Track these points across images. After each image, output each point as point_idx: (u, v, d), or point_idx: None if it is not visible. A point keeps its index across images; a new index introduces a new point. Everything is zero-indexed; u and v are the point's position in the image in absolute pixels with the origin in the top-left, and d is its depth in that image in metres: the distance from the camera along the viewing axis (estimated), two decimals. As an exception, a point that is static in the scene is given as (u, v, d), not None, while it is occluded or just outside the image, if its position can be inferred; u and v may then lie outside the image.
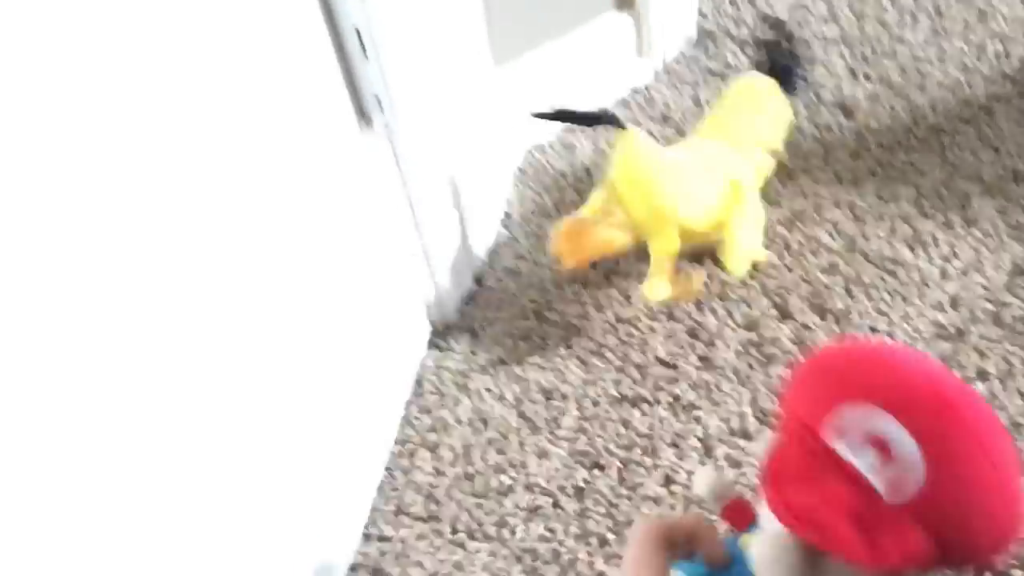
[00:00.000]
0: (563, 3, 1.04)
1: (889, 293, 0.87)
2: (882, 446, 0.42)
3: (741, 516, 0.47)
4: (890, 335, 0.84)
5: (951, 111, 1.01)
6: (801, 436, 0.44)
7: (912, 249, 0.90)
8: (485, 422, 0.84)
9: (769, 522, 0.43)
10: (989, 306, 0.84)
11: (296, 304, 0.64)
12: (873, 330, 0.85)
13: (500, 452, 0.82)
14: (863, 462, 0.42)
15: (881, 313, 0.86)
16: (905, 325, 0.85)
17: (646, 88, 1.11)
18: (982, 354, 0.81)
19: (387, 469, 0.82)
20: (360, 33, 0.63)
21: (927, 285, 0.87)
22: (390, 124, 0.71)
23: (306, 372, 0.66)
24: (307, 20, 0.61)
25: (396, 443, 0.84)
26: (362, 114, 0.70)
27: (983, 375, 0.80)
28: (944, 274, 0.87)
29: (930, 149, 0.98)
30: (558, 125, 1.10)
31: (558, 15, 1.04)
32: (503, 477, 0.80)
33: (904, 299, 0.86)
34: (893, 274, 0.88)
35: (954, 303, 0.85)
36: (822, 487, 0.44)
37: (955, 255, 0.89)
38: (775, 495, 0.42)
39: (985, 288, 0.86)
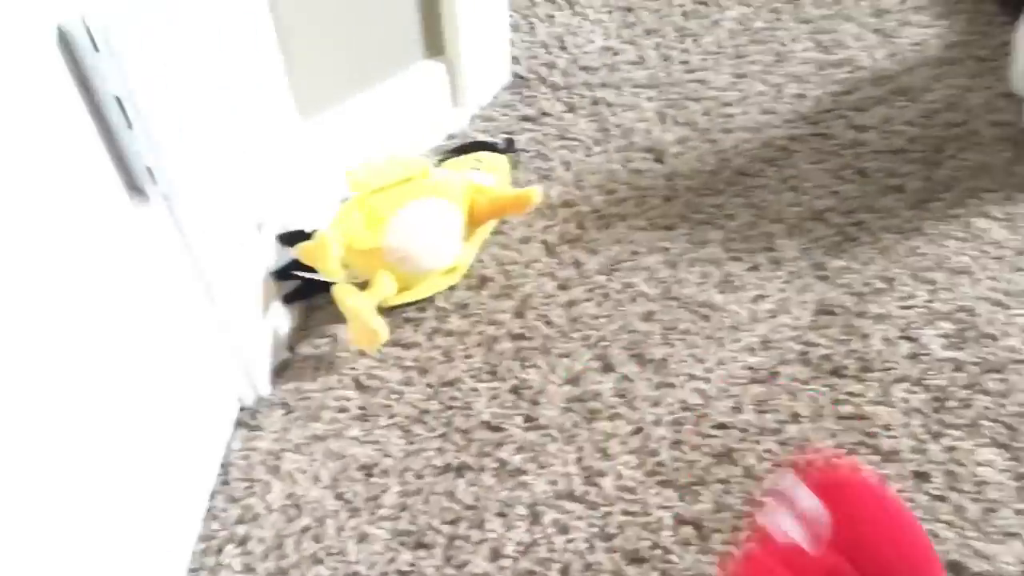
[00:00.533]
0: (373, 53, 1.00)
1: (704, 338, 0.88)
2: (802, 517, 0.60)
3: None
4: (707, 380, 0.85)
5: (754, 153, 1.04)
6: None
7: (723, 293, 0.91)
8: (299, 507, 0.78)
9: None
10: (798, 347, 0.87)
11: (69, 397, 0.56)
12: (691, 377, 0.85)
13: (316, 540, 0.76)
14: (794, 531, 0.59)
15: (698, 360, 0.86)
16: (720, 370, 0.86)
17: (463, 136, 1.09)
18: (793, 395, 0.83)
19: (192, 571, 0.75)
20: (121, 102, 0.57)
21: (739, 328, 0.89)
22: (168, 194, 0.64)
23: (84, 471, 0.58)
24: (57, 92, 0.54)
25: (200, 540, 0.76)
26: (133, 188, 0.63)
27: (795, 417, 0.82)
28: (754, 316, 0.89)
29: (735, 192, 1.00)
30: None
31: (369, 65, 1.00)
32: (320, 568, 0.74)
33: (718, 344, 0.87)
34: (707, 319, 0.89)
35: (764, 345, 0.87)
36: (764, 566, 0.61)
37: (763, 297, 0.91)
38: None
39: (793, 328, 0.88)
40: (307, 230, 0.88)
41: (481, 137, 1.06)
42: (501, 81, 1.13)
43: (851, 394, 0.83)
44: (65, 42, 0.54)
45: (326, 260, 0.84)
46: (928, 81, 1.09)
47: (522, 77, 1.15)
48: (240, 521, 0.78)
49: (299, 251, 0.87)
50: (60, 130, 0.55)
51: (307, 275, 0.88)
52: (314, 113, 0.98)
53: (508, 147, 1.04)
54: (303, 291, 0.91)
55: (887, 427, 0.80)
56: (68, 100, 0.55)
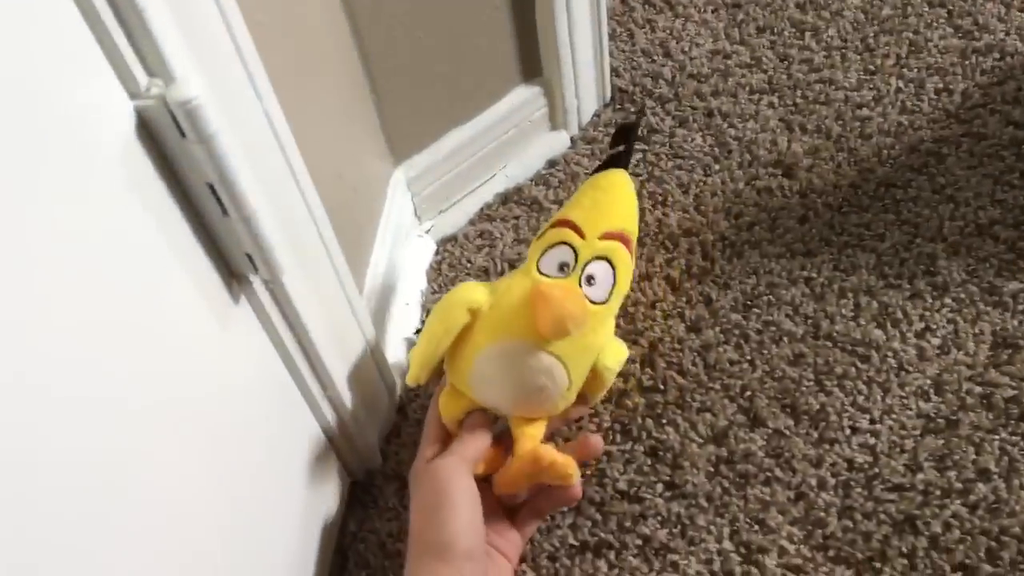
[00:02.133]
0: (468, 85, 0.91)
1: (865, 383, 0.77)
2: None
3: None
4: (874, 433, 0.74)
5: (899, 160, 0.92)
6: None
7: (881, 327, 0.80)
8: (426, 599, 0.71)
9: None
10: (977, 388, 0.75)
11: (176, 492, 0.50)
12: (854, 431, 0.75)
13: (448, 637, 0.69)
14: None
15: (860, 409, 0.76)
16: (889, 420, 0.75)
17: (564, 160, 1.00)
18: (977, 447, 0.72)
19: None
20: (214, 188, 0.50)
21: (906, 370, 0.77)
22: (270, 280, 0.57)
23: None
24: (143, 183, 0.48)
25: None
26: (232, 276, 0.56)
27: (984, 474, 0.70)
28: (922, 354, 0.78)
29: (884, 208, 0.89)
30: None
31: (464, 98, 0.92)
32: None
33: (883, 388, 0.77)
34: (866, 359, 0.79)
35: (938, 388, 0.76)
36: None
37: (930, 330, 0.80)
38: None
39: (969, 367, 0.77)
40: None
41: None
42: (602, 98, 1.04)
43: (1044, 444, 0.71)
44: (146, 129, 0.47)
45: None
46: (1096, 62, 0.96)
47: (625, 91, 1.05)
48: (362, 619, 0.71)
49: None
50: (150, 227, 0.48)
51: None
52: (408, 155, 0.91)
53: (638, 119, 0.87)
54: None
55: None
56: (155, 192, 0.49)
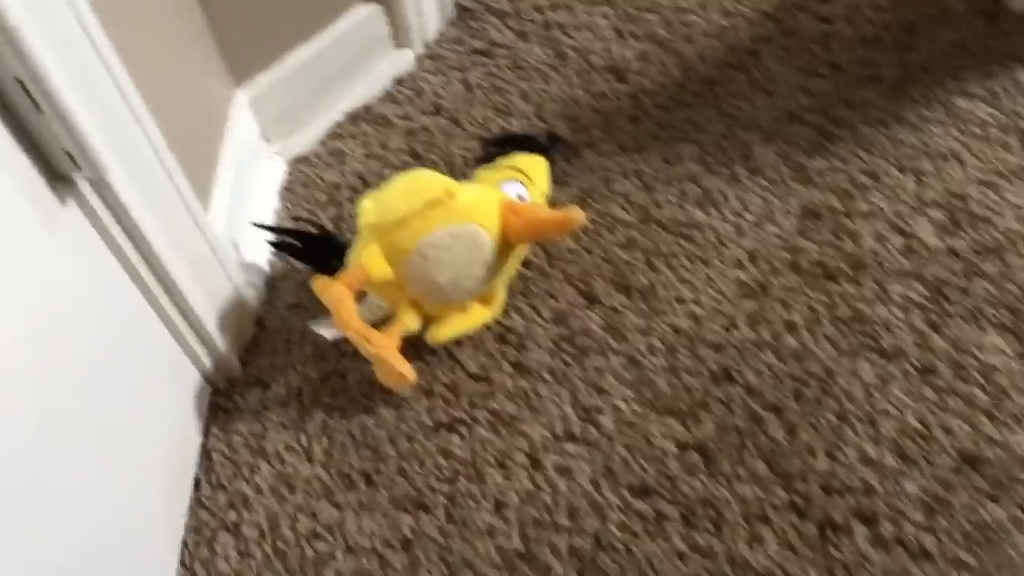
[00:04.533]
0: (305, 5, 0.94)
1: (689, 259, 0.84)
2: None
3: None
4: (697, 302, 0.81)
5: (720, 59, 0.99)
6: None
7: (704, 209, 0.87)
8: (291, 486, 0.75)
9: None
10: (786, 255, 0.83)
11: (21, 400, 0.52)
12: (680, 301, 0.82)
13: (312, 516, 0.73)
14: None
15: (684, 281, 0.83)
16: (709, 290, 0.82)
17: (411, 78, 1.03)
18: (787, 305, 0.80)
19: (183, 564, 0.72)
20: (24, 84, 0.51)
21: (724, 244, 0.85)
22: (96, 176, 0.59)
23: (55, 479, 0.54)
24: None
25: (190, 532, 0.73)
26: (57, 177, 0.58)
27: (791, 327, 0.78)
28: (739, 230, 0.86)
29: (706, 102, 0.96)
30: (322, 128, 1.00)
31: (299, 18, 0.94)
32: (319, 544, 0.71)
33: (704, 263, 0.84)
34: (690, 238, 0.86)
35: (752, 258, 0.84)
36: None
37: (746, 209, 0.87)
38: None
39: (780, 237, 0.85)
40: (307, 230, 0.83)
41: (516, 128, 0.96)
42: (446, 15, 1.07)
43: (847, 296, 0.80)
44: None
45: (340, 316, 0.75)
46: (892, -39, 1.04)
47: (467, 8, 1.09)
48: (230, 507, 0.74)
49: (315, 288, 0.77)
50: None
51: (291, 238, 0.83)
52: (249, 76, 0.93)
53: (551, 143, 0.93)
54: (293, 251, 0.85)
55: (887, 325, 0.77)
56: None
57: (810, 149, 0.90)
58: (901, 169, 0.86)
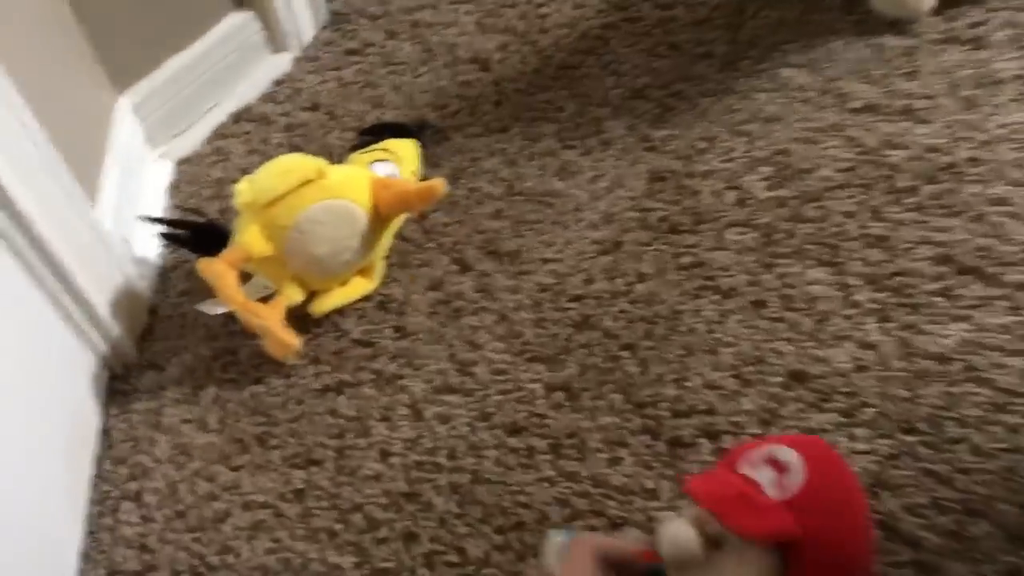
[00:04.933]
0: (178, 15, 0.99)
1: (551, 224, 0.93)
2: (776, 464, 0.61)
3: None
4: (559, 261, 0.90)
5: (573, 46, 1.08)
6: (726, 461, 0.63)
7: (562, 180, 0.96)
8: (188, 454, 0.80)
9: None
10: (636, 215, 0.92)
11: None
12: (544, 261, 0.90)
13: (209, 480, 0.78)
14: (762, 475, 0.60)
15: (547, 244, 0.91)
16: (570, 249, 0.90)
17: (289, 78, 1.10)
18: (638, 258, 0.89)
19: (91, 532, 0.76)
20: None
21: (581, 209, 0.93)
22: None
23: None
24: None
25: (94, 504, 0.78)
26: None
27: (642, 277, 0.87)
28: (594, 195, 0.94)
29: (561, 85, 1.04)
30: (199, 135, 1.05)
31: (176, 27, 1.00)
32: (216, 504, 0.77)
33: (564, 227, 0.92)
34: (551, 206, 0.94)
35: (607, 219, 0.92)
36: (724, 479, 0.62)
37: (599, 176, 0.96)
38: (692, 487, 0.60)
39: (630, 199, 0.93)
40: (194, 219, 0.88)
41: (388, 118, 1.03)
42: (320, 20, 1.14)
43: (689, 246, 0.89)
44: None
45: (223, 290, 0.81)
46: (722, -48, 1.15)
47: (340, 13, 1.16)
48: (131, 478, 0.79)
49: (200, 268, 0.82)
50: None
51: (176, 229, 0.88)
52: (130, 83, 0.98)
53: (420, 128, 1.01)
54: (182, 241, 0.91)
55: (724, 268, 0.86)
56: None
57: (654, 121, 0.99)
58: (733, 133, 0.97)
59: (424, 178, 0.96)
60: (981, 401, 0.75)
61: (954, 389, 0.76)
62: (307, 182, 0.81)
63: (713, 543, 0.59)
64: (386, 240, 0.89)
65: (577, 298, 0.87)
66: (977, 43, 1.00)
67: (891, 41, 1.01)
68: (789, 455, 0.62)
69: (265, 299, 0.85)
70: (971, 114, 0.94)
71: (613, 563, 0.60)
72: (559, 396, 0.80)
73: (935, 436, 0.74)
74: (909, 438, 0.74)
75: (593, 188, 0.95)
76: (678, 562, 0.59)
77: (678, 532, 0.59)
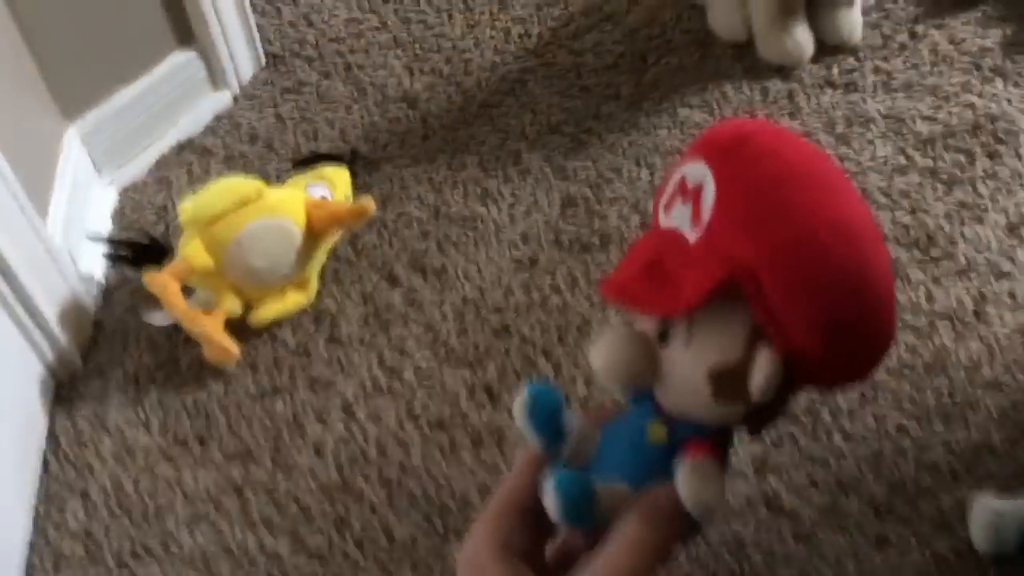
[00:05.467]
0: (125, 49, 1.06)
1: (473, 244, 1.01)
2: (687, 192, 0.45)
3: None
4: (481, 277, 0.98)
5: (494, 87, 1.18)
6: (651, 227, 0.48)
7: (484, 205, 1.05)
8: (132, 454, 0.85)
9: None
10: (551, 235, 1.02)
11: None
12: (467, 277, 0.98)
13: (152, 477, 0.83)
14: (676, 216, 0.45)
15: (470, 262, 1.00)
16: (491, 266, 0.99)
17: (229, 114, 1.17)
18: (552, 274, 0.98)
19: (38, 526, 0.80)
20: None
21: (501, 230, 1.02)
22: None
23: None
24: None
25: (42, 502, 0.82)
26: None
27: (556, 289, 0.96)
28: (512, 219, 1.03)
29: (483, 122, 1.14)
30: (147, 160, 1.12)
31: (123, 61, 1.07)
32: (159, 498, 0.82)
33: (486, 246, 1.01)
34: (474, 228, 1.03)
35: (524, 239, 1.01)
36: (636, 255, 0.47)
37: (518, 201, 1.05)
38: (603, 283, 0.47)
39: (545, 222, 1.03)
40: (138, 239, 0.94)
41: (323, 149, 1.11)
42: (258, 61, 1.22)
43: (598, 263, 0.98)
44: None
45: (167, 299, 0.87)
46: (627, 5, 1.27)
47: (277, 55, 1.24)
48: (77, 476, 0.84)
49: (145, 281, 0.88)
50: None
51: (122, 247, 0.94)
52: (79, 113, 1.04)
53: (352, 158, 1.08)
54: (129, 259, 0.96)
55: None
56: None
57: (567, 153, 1.09)
58: (638, 164, 1.07)
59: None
60: (851, 395, 0.86)
61: (828, 383, 0.86)
62: (246, 201, 0.88)
63: (660, 340, 0.46)
64: (320, 257, 0.96)
65: (497, 309, 0.95)
66: (850, 86, 1.13)
67: (776, 84, 1.14)
68: (695, 171, 0.45)
69: (207, 312, 0.91)
70: (845, 148, 1.07)
71: (526, 516, 0.48)
72: (481, 396, 0.88)
73: (812, 424, 0.84)
74: (791, 428, 0.84)
75: (512, 212, 1.04)
76: (624, 384, 0.47)
77: (600, 352, 0.46)
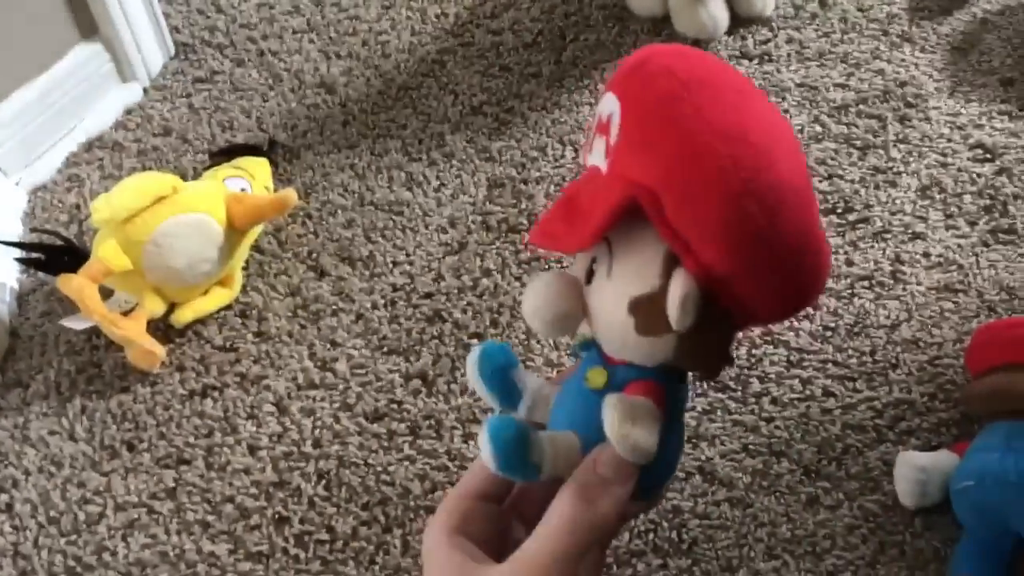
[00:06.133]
0: (26, 48, 1.01)
1: (400, 230, 1.00)
2: (603, 125, 0.45)
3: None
4: (410, 263, 0.97)
5: (413, 69, 1.17)
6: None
7: (410, 189, 1.04)
8: (58, 464, 0.82)
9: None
10: (479, 218, 1.01)
11: None
12: (395, 264, 0.97)
13: (81, 486, 0.81)
14: (596, 152, 0.45)
15: (398, 248, 0.99)
16: (419, 252, 0.98)
17: (140, 107, 1.13)
18: (481, 257, 0.97)
19: (-41, 549, 0.77)
20: None
21: (428, 215, 1.01)
22: None
23: None
24: None
25: (-38, 520, 0.79)
26: None
27: (487, 272, 0.96)
28: (439, 202, 1.03)
29: (404, 105, 1.13)
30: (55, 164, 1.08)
31: (25, 60, 1.02)
32: (90, 507, 0.79)
33: (413, 232, 1.00)
34: (400, 214, 1.02)
35: (452, 223, 1.01)
36: (561, 198, 0.47)
37: (444, 185, 1.04)
38: (530, 237, 0.47)
39: (472, 205, 1.02)
40: (49, 241, 0.91)
41: (239, 140, 1.08)
42: (167, 51, 1.18)
43: (528, 244, 0.98)
44: None
45: (85, 303, 0.83)
46: (544, -17, 1.27)
47: (187, 44, 1.20)
48: (1, 491, 0.81)
49: (59, 285, 0.85)
50: None
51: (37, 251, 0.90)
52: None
53: (271, 147, 1.06)
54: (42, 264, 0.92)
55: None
56: None
57: (491, 134, 1.09)
58: (561, 143, 1.07)
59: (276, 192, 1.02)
60: (778, 360, 0.88)
61: (756, 351, 0.88)
62: (162, 198, 0.86)
63: (587, 282, 0.47)
64: (244, 251, 0.94)
65: (428, 295, 0.94)
66: (765, 57, 1.15)
67: (693, 58, 1.15)
68: (607, 103, 0.45)
69: (127, 313, 0.88)
70: (762, 118, 1.08)
71: (488, 502, 0.50)
72: (416, 383, 0.87)
73: (742, 391, 0.86)
74: (721, 395, 0.86)
75: (438, 196, 1.03)
76: (550, 326, 0.47)
77: (527, 297, 0.46)
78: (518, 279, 0.95)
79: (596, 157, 0.46)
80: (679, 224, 0.42)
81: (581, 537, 0.44)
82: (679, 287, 0.42)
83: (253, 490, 0.81)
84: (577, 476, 0.46)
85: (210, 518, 0.79)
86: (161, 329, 0.91)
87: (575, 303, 0.46)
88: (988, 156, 1.02)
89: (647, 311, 0.43)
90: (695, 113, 0.42)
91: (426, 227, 1.00)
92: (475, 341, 0.91)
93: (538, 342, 0.90)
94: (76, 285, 0.83)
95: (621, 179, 0.43)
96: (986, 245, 0.95)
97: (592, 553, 0.48)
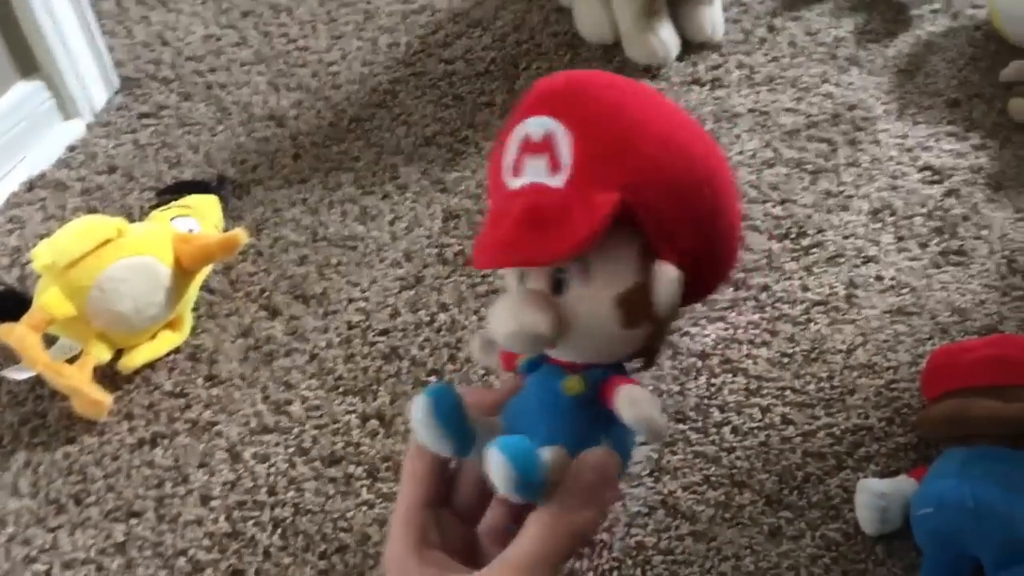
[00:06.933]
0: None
1: (356, 266, 0.99)
2: (534, 146, 0.47)
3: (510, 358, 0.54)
4: (365, 299, 0.96)
5: (364, 100, 1.16)
6: (493, 199, 0.52)
7: (363, 224, 1.02)
8: (2, 522, 0.79)
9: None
10: (435, 251, 1.00)
11: None
12: (350, 301, 0.96)
13: (26, 543, 0.78)
14: (531, 171, 0.47)
15: (353, 284, 0.97)
16: (375, 287, 0.97)
17: (84, 144, 1.10)
18: (438, 291, 0.96)
19: None
20: None
21: (383, 249, 1.00)
22: None
23: None
24: None
25: (-102, 586, 0.75)
26: None
27: (443, 307, 0.95)
28: (394, 236, 1.01)
29: (356, 137, 1.12)
30: None
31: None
32: (36, 566, 0.76)
33: (368, 267, 0.99)
34: (354, 249, 1.00)
35: (408, 257, 0.99)
36: (495, 219, 0.49)
37: (398, 218, 1.03)
38: (473, 257, 0.48)
39: (428, 237, 1.01)
40: None
41: (187, 177, 1.06)
42: (111, 86, 1.16)
43: (484, 276, 0.97)
44: None
45: (27, 353, 0.81)
46: (495, 10, 1.27)
47: (131, 78, 1.18)
48: (-61, 554, 0.77)
49: (1, 334, 0.82)
50: None
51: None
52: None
53: (220, 184, 1.04)
54: None
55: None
56: None
57: (445, 165, 1.08)
58: (516, 172, 1.07)
59: (226, 231, 1.00)
60: (738, 388, 0.88)
61: (715, 380, 0.88)
62: (106, 241, 0.83)
63: (555, 293, 0.47)
64: (193, 292, 0.91)
65: (384, 332, 0.93)
66: (716, 83, 1.16)
67: (645, 84, 1.16)
68: (538, 125, 0.48)
69: (72, 360, 0.85)
70: (715, 144, 1.09)
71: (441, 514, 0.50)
72: (373, 424, 0.86)
73: (703, 422, 0.85)
74: (681, 426, 0.85)
75: (393, 230, 1.02)
76: (534, 346, 0.47)
77: (502, 319, 0.46)
78: (476, 312, 0.94)
79: (533, 175, 0.48)
80: (662, 217, 0.47)
81: (567, 542, 0.45)
82: (665, 275, 0.46)
83: (206, 542, 0.78)
84: (566, 484, 0.46)
85: (162, 573, 0.76)
86: (108, 376, 0.88)
87: (554, 312, 0.46)
88: (936, 178, 1.04)
89: (632, 304, 0.47)
90: (647, 117, 0.48)
91: (381, 261, 0.99)
92: (433, 378, 0.90)
93: (497, 377, 0.89)
94: (18, 334, 0.80)
95: (601, 188, 0.46)
96: (937, 267, 0.96)
97: None
